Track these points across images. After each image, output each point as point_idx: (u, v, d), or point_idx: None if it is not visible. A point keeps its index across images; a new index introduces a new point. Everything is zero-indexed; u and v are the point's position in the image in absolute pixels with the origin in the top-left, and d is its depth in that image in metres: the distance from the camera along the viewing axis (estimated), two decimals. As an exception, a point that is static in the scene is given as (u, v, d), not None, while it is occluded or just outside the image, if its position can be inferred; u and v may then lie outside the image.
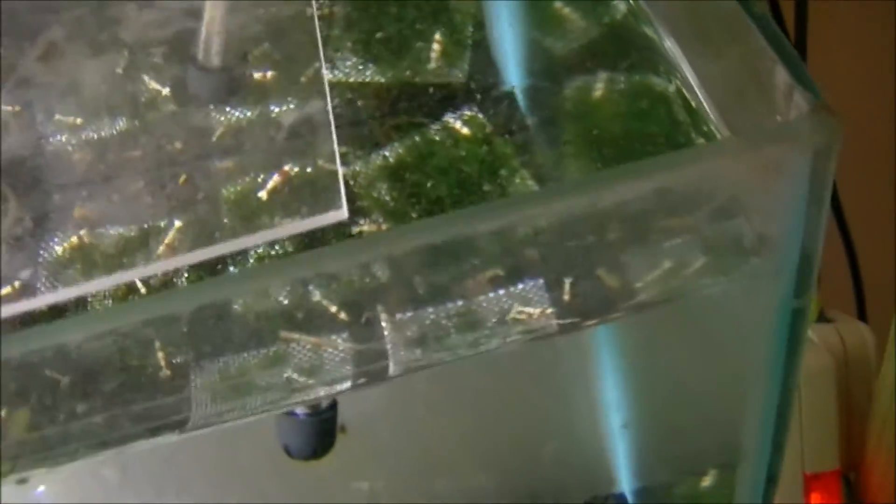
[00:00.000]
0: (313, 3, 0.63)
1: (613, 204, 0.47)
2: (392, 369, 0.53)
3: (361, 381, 0.54)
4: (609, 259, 0.50)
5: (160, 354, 0.52)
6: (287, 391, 0.54)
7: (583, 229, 0.49)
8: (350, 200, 0.57)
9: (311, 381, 0.54)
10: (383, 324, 0.53)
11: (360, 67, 0.62)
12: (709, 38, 0.53)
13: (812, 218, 0.44)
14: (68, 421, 0.52)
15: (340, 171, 0.55)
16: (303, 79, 0.60)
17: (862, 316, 1.04)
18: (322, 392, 0.55)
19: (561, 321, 0.52)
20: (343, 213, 0.54)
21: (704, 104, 0.52)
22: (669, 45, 0.54)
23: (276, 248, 0.57)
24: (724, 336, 0.57)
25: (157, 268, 0.57)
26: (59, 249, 0.59)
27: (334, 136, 0.56)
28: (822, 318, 0.90)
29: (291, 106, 0.59)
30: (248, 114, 0.60)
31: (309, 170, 0.58)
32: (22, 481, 0.55)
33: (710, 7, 0.51)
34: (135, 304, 0.54)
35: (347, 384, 0.54)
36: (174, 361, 0.53)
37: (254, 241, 0.55)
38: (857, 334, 0.87)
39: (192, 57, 0.60)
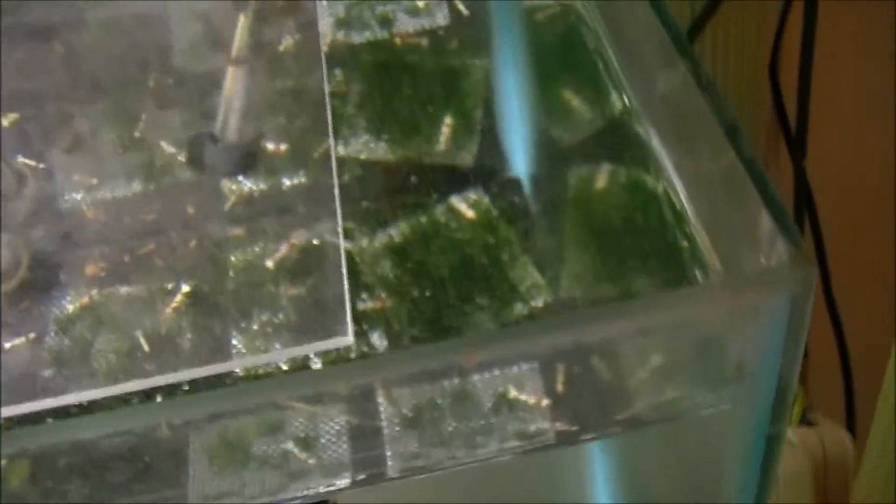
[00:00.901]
0: (325, 81, 0.65)
1: (597, 339, 0.49)
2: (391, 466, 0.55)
3: (360, 477, 0.55)
4: (592, 386, 0.52)
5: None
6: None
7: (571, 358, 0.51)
8: (353, 274, 0.59)
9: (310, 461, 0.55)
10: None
11: (371, 145, 0.64)
12: (692, 145, 0.55)
13: (788, 353, 0.46)
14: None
15: (346, 288, 0.56)
16: (314, 154, 0.62)
17: (850, 412, 1.04)
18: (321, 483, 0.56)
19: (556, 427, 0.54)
20: (349, 339, 0.55)
21: (687, 209, 0.54)
22: (656, 145, 0.56)
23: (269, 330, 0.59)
24: (701, 453, 0.58)
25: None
26: (69, 306, 0.60)
27: (339, 216, 0.58)
28: (805, 419, 0.90)
29: (302, 180, 0.61)
30: (260, 185, 0.62)
31: (315, 242, 0.59)
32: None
33: (691, 115, 0.53)
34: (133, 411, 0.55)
35: (346, 481, 0.55)
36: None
37: (254, 361, 0.56)
38: (838, 440, 0.88)
39: (210, 132, 0.62)
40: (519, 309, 0.57)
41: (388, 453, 0.54)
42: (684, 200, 0.55)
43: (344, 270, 0.57)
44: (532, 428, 0.53)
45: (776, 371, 0.46)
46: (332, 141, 0.61)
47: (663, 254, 0.55)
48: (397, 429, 0.53)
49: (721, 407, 0.50)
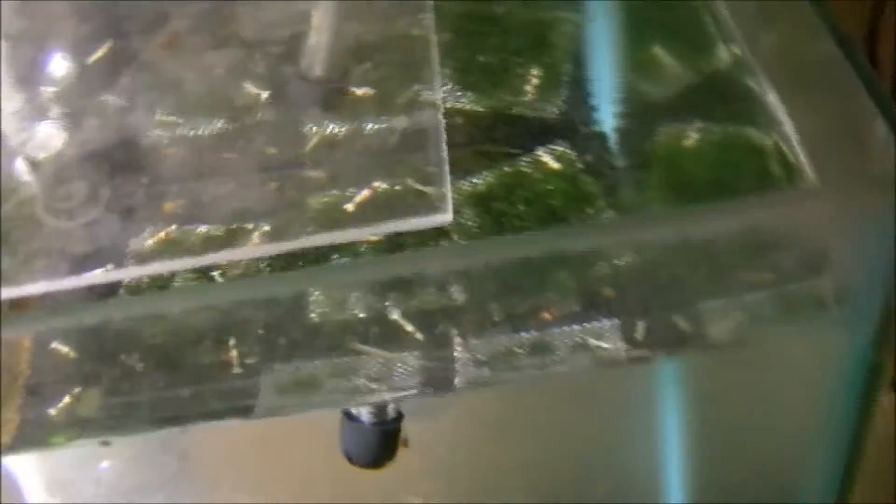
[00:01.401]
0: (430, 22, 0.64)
1: (698, 240, 0.47)
2: (458, 382, 0.54)
3: (427, 389, 0.55)
4: (687, 297, 0.51)
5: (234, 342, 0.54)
6: (353, 394, 0.55)
7: (668, 261, 0.50)
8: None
9: (377, 387, 0.55)
10: (455, 342, 0.54)
11: (457, 94, 0.63)
12: (810, 91, 0.53)
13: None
14: (141, 393, 0.54)
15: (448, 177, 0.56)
16: (407, 96, 0.62)
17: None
18: (387, 396, 0.56)
19: (631, 355, 0.53)
20: (448, 216, 0.54)
21: (802, 159, 0.53)
22: (772, 98, 0.55)
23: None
24: (795, 383, 0.56)
25: (245, 253, 0.58)
26: (146, 241, 0.60)
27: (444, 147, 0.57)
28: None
29: (402, 118, 0.61)
30: (344, 127, 0.61)
31: (409, 181, 0.59)
32: (105, 443, 0.57)
33: (813, 57, 0.52)
34: (225, 285, 0.55)
35: (413, 391, 0.55)
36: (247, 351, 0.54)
37: (348, 236, 0.55)
38: None
39: (296, 65, 0.62)
40: (601, 265, 0.56)
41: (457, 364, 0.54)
42: (800, 154, 0.53)
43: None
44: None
45: (883, 292, 0.44)
46: (437, 79, 0.60)
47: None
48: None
49: (821, 331, 0.49)
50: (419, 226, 0.54)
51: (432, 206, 0.54)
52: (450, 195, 0.54)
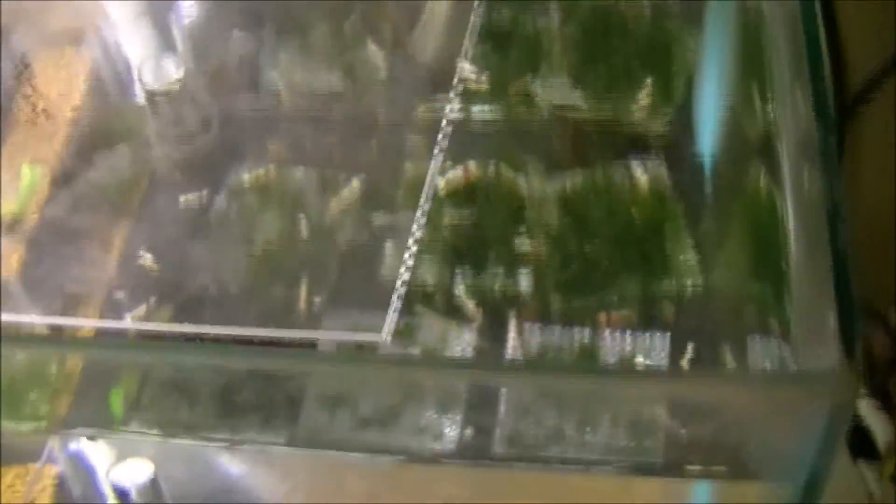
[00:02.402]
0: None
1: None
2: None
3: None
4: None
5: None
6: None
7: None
8: (519, 210, 0.60)
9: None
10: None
11: (569, 90, 0.64)
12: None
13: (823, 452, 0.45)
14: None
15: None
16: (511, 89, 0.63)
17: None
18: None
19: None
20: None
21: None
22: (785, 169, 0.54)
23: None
24: None
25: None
26: (245, 176, 0.62)
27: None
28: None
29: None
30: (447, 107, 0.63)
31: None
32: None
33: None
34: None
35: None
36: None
37: None
38: None
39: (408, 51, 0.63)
40: (666, 282, 0.56)
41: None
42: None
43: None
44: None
45: (810, 463, 0.45)
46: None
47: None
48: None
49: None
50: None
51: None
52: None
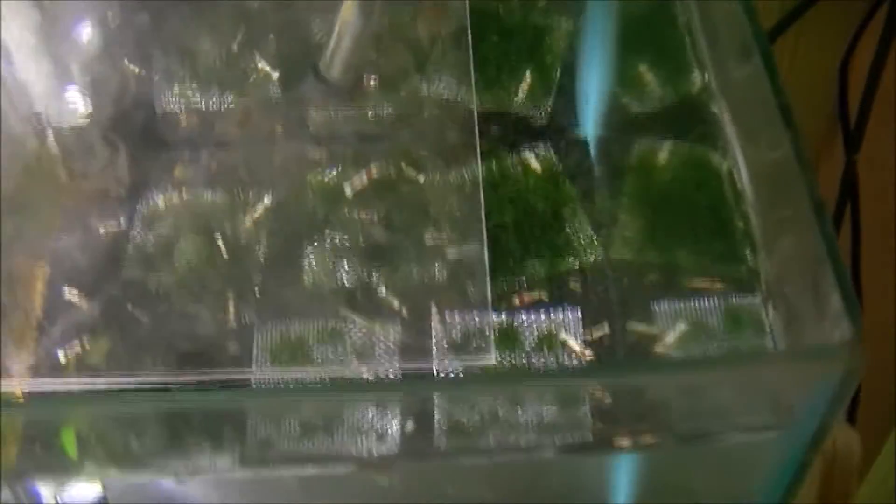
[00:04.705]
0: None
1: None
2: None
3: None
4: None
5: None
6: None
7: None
8: (422, 204, 0.63)
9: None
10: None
11: (454, 88, 0.67)
12: (760, 134, 0.59)
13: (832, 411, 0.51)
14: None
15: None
16: (402, 92, 0.66)
17: (853, 409, 1.07)
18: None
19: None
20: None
21: (747, 190, 0.59)
22: (728, 129, 0.60)
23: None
24: (738, 463, 0.62)
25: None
26: (157, 204, 0.64)
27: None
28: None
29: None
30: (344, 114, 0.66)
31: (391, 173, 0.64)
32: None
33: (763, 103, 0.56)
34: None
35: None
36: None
37: None
38: (847, 439, 0.91)
39: (314, 65, 0.66)
40: (570, 262, 0.61)
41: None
42: (745, 182, 0.59)
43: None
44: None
45: (819, 419, 0.52)
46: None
47: (715, 232, 0.60)
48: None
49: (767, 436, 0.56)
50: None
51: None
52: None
